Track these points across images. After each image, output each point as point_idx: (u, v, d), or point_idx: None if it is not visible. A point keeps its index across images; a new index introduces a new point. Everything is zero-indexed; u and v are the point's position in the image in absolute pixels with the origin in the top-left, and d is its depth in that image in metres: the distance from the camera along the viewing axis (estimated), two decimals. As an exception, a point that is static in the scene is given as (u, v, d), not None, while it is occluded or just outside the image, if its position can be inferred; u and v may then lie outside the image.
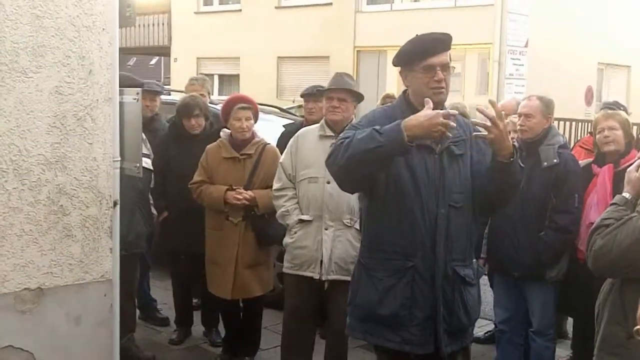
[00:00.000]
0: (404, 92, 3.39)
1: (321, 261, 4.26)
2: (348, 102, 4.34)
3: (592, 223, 2.88)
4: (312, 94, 5.65)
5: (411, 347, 3.24)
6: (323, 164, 4.11)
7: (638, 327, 1.89)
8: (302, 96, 5.86)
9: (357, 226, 4.19)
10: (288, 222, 4.38)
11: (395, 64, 3.39)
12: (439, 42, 3.24)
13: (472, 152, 3.32)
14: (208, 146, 5.01)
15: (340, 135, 3.23)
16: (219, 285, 4.95)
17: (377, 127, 3.01)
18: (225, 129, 5.02)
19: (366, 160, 3.02)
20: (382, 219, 3.25)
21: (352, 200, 4.16)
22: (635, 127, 4.69)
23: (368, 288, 3.28)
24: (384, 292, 3.23)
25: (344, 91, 4.35)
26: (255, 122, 4.99)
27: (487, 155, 3.31)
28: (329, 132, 4.31)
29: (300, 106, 12.87)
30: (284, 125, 6.34)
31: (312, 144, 4.36)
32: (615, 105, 5.53)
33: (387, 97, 6.51)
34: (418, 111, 3.18)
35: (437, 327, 3.24)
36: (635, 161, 2.91)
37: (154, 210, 5.36)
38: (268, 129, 5.89)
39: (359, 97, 4.44)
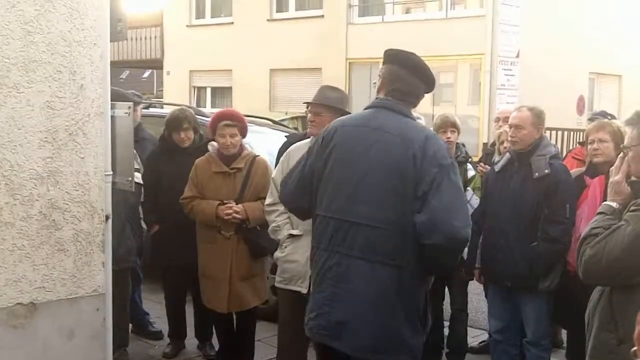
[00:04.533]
0: None
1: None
2: (323, 116, 4.29)
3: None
4: None
5: None
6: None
7: (636, 348, 1.85)
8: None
9: None
10: (279, 237, 4.36)
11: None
12: None
13: None
14: (197, 160, 4.99)
15: None
16: (214, 299, 4.93)
17: None
18: (213, 142, 5.01)
19: None
20: None
21: None
22: (627, 137, 4.67)
23: None
24: None
25: (317, 105, 4.35)
26: (244, 137, 4.98)
27: None
28: None
29: (293, 118, 12.93)
30: (286, 136, 6.34)
31: None
32: (601, 115, 5.51)
33: None
34: None
35: None
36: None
37: (143, 225, 5.35)
38: (261, 142, 5.90)
39: (338, 111, 4.30)
